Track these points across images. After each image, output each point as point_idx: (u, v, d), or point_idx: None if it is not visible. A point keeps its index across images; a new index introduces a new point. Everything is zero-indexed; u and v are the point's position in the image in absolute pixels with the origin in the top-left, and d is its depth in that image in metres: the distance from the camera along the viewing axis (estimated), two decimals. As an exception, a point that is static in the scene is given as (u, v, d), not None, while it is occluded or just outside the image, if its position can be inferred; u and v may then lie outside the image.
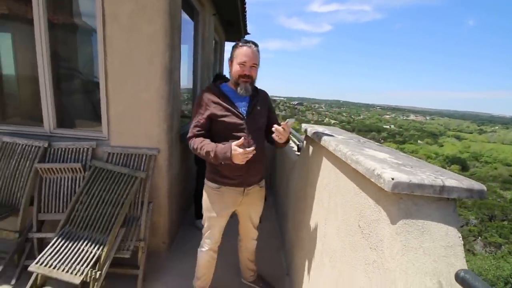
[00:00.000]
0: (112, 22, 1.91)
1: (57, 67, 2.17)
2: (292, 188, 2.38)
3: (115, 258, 1.79)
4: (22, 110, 2.47)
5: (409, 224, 0.69)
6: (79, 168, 2.04)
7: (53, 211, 2.04)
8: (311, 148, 1.85)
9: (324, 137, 1.41)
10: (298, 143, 3.01)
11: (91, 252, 1.73)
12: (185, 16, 2.62)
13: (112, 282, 1.82)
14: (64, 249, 1.73)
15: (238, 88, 1.44)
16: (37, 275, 1.65)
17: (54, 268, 1.59)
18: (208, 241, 1.67)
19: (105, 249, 1.72)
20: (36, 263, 1.61)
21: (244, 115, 1.46)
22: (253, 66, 1.43)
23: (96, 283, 1.64)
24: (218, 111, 1.43)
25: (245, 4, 4.08)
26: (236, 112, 1.44)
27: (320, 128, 1.84)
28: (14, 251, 1.90)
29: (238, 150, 1.27)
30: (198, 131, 1.45)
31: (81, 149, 2.11)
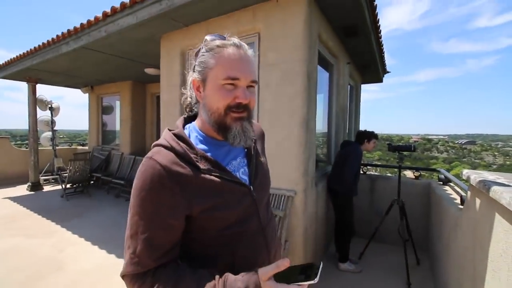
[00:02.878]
0: (265, 89, 2.45)
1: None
2: (455, 252, 1.86)
3: None
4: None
5: None
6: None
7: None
8: (478, 201, 1.45)
9: (495, 187, 1.10)
10: (461, 193, 2.38)
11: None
12: (320, 68, 2.92)
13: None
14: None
15: (229, 136, 0.68)
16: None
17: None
18: None
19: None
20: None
21: (248, 183, 0.75)
22: (251, 86, 0.69)
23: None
24: (200, 197, 0.65)
25: (382, 46, 4.01)
26: (234, 184, 0.70)
27: (491, 176, 1.43)
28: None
29: None
30: (156, 257, 0.64)
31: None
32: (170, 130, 0.72)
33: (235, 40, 0.69)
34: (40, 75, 5.62)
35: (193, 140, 0.72)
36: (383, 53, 4.37)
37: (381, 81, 5.70)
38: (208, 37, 0.71)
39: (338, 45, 3.32)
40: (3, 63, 5.33)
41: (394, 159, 2.87)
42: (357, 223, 3.08)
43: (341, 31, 3.09)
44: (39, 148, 6.37)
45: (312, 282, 0.56)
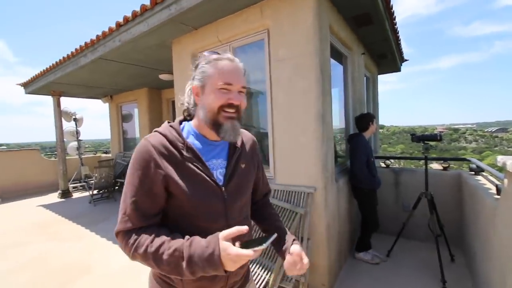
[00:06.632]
0: (276, 84, 2.40)
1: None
2: (495, 245, 1.72)
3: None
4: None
5: None
6: (254, 202, 2.51)
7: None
8: (518, 189, 1.32)
9: (540, 173, 0.98)
10: (497, 182, 2.20)
11: (261, 276, 2.00)
12: (333, 61, 2.82)
13: (277, 310, 1.98)
14: (243, 269, 2.12)
15: (221, 131, 0.81)
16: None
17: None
18: None
19: (272, 276, 1.95)
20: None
21: (221, 183, 0.85)
22: (242, 92, 0.83)
23: (265, 307, 1.86)
24: (177, 176, 0.78)
25: (398, 33, 3.83)
26: (208, 178, 0.81)
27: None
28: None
29: (231, 250, 0.66)
30: (141, 219, 0.78)
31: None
32: (168, 123, 0.88)
33: (229, 55, 0.85)
34: (63, 88, 5.92)
35: (185, 133, 0.87)
36: (400, 40, 4.17)
37: (398, 70, 5.46)
38: (206, 53, 0.86)
39: (351, 35, 3.20)
40: (29, 80, 5.66)
41: (418, 152, 2.74)
42: (382, 219, 2.95)
43: (353, 21, 2.97)
44: (66, 158, 6.71)
45: (261, 247, 0.66)
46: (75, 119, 6.84)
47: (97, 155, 9.12)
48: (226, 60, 0.82)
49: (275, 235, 0.71)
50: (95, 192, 5.83)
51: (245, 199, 0.92)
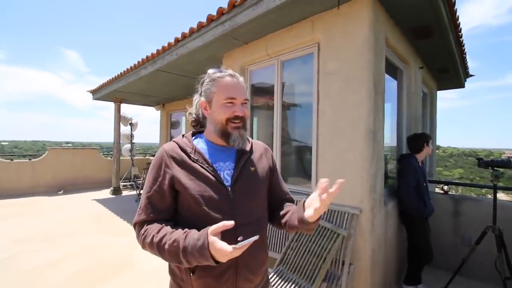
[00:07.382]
0: (324, 98, 2.35)
1: (282, 136, 2.92)
2: None
3: (317, 313, 1.84)
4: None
5: None
6: (293, 217, 2.44)
7: (272, 250, 2.52)
8: None
9: None
10: None
11: (298, 297, 1.91)
12: (387, 75, 2.67)
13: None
14: (277, 285, 2.04)
15: (230, 140, 0.93)
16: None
17: (272, 300, 1.91)
18: None
19: (309, 299, 1.84)
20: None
21: (228, 183, 0.92)
22: (245, 104, 0.95)
23: (300, 331, 1.75)
24: (183, 175, 0.89)
25: (463, 46, 3.49)
26: (213, 177, 0.90)
27: None
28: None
29: (217, 245, 0.73)
30: (152, 212, 0.89)
31: (295, 202, 2.55)
32: (183, 134, 1.02)
33: (230, 71, 0.95)
34: (124, 96, 6.59)
35: (196, 141, 0.99)
36: (465, 54, 3.79)
37: (462, 86, 4.95)
38: (210, 71, 0.96)
39: (408, 48, 3.01)
40: (97, 87, 6.44)
41: (480, 179, 2.41)
42: (436, 251, 2.62)
43: (412, 33, 2.80)
44: (120, 158, 7.39)
45: (238, 245, 0.72)
46: (131, 124, 7.54)
47: (146, 157, 9.88)
48: (228, 77, 0.93)
49: (255, 237, 0.74)
50: (141, 191, 6.28)
51: (256, 201, 0.96)
